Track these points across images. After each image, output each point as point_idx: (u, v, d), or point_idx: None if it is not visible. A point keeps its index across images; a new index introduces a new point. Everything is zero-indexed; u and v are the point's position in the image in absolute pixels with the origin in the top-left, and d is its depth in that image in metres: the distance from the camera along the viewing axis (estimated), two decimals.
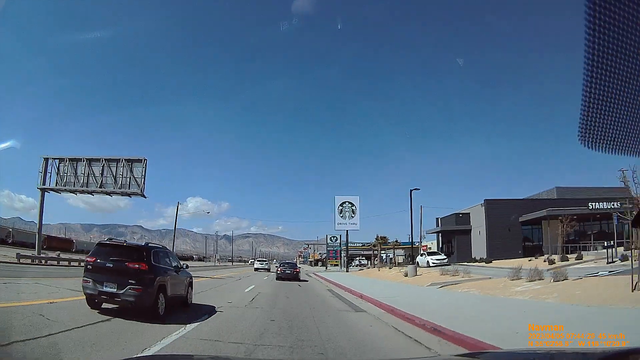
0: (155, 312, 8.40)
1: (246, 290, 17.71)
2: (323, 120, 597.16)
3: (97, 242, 10.06)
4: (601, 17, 2.20)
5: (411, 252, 30.22)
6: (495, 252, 35.57)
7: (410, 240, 31.14)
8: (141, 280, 8.20)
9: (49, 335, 6.05)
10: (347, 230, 48.53)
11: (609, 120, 2.53)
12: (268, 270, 47.18)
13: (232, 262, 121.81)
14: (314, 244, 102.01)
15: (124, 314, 8.20)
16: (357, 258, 74.82)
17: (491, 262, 31.97)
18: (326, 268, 66.55)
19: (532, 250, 35.43)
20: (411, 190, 25.72)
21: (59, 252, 46.31)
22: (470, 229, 42.60)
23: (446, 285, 18.63)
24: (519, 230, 37.96)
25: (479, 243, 39.89)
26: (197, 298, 12.31)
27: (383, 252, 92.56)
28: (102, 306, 8.65)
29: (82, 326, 6.92)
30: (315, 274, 40.71)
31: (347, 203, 48.51)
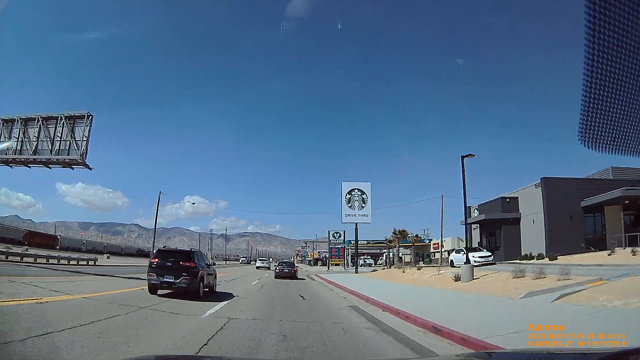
0: (198, 295, 11.89)
1: (205, 315, 8.97)
2: (322, 119, 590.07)
3: (157, 248, 15.01)
4: (601, 17, 2.13)
5: (467, 244, 21.91)
6: (557, 245, 26.96)
7: (465, 231, 22.66)
8: (190, 273, 11.63)
9: None
10: (356, 223, 39.78)
11: (609, 120, 2.45)
12: (268, 268, 50.10)
13: (226, 261, 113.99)
14: (313, 242, 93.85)
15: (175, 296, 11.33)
16: (362, 257, 66.15)
17: (556, 258, 23.62)
18: (328, 268, 58.01)
19: (594, 243, 27.42)
20: (463, 157, 17.50)
21: (26, 247, 38.77)
22: (519, 218, 32.72)
23: (563, 297, 10.43)
24: (581, 218, 29.04)
25: (531, 235, 30.82)
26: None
27: (385, 250, 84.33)
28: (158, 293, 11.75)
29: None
30: (319, 276, 32.68)
31: (356, 191, 39.74)
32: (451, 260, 28.87)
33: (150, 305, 9.54)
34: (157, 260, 11.96)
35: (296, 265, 36.03)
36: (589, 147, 2.58)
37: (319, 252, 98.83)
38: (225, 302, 11.54)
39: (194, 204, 63.99)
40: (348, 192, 39.84)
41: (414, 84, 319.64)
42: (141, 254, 78.92)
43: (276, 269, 29.39)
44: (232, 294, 14.82)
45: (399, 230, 36.53)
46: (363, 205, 39.57)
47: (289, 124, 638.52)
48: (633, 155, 2.78)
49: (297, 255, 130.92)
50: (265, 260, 63.28)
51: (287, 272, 27.02)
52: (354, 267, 49.71)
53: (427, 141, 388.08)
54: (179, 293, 11.48)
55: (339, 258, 57.78)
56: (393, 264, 39.70)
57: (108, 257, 58.42)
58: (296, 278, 27.47)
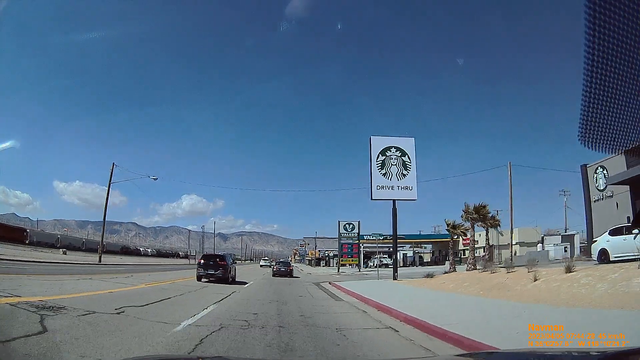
0: (227, 281, 18.68)
1: None
2: (320, 120, 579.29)
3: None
4: (601, 16, 1.99)
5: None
6: None
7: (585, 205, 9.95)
8: (224, 268, 18.82)
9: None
10: (393, 200, 23.39)
11: (609, 120, 2.26)
12: (269, 266, 52.30)
13: None
14: (314, 238, 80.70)
15: (213, 282, 17.98)
16: (378, 256, 51.61)
17: None
18: (338, 270, 43.48)
19: None
20: None
21: None
22: None
23: None
24: None
25: None
26: None
27: (396, 248, 69.84)
28: (202, 280, 18.47)
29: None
30: (339, 287, 18.10)
31: (392, 150, 23.99)
32: (602, 251, 14.43)
33: None
34: (202, 260, 19.60)
35: (292, 264, 38.02)
36: (589, 147, 2.31)
37: (319, 250, 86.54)
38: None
39: (155, 179, 48.99)
40: (381, 153, 23.86)
41: (413, 83, 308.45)
42: (125, 251, 75.69)
43: (273, 267, 33.49)
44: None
45: (475, 206, 20.95)
46: (405, 172, 23.56)
47: (287, 125, 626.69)
48: (634, 156, 2.63)
49: (295, 254, 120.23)
50: (268, 260, 74.58)
51: (284, 271, 30.81)
52: (372, 269, 36.03)
53: (424, 141, 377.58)
54: (216, 280, 18.36)
55: (351, 257, 43.19)
56: (460, 264, 24.80)
57: (64, 253, 46.84)
58: (292, 276, 30.85)
